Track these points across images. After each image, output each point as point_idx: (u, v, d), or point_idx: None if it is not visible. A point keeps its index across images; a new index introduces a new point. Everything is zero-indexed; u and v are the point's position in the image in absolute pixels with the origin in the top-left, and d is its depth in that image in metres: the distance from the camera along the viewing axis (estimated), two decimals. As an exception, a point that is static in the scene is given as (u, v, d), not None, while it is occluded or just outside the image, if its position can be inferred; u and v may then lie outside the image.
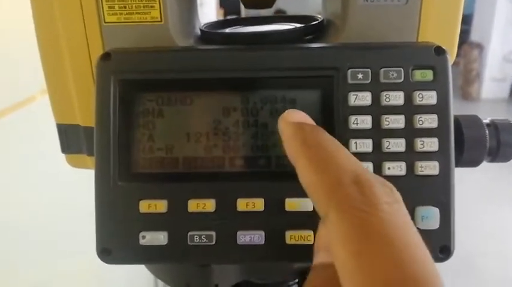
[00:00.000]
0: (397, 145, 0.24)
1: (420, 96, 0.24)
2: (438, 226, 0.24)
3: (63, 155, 0.31)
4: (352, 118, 0.24)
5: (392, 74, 0.24)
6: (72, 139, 0.30)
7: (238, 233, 0.24)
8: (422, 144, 0.24)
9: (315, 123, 0.21)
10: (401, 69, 0.24)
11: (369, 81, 0.24)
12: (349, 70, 0.24)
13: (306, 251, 0.22)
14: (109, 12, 0.27)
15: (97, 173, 0.25)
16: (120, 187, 0.25)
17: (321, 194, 0.17)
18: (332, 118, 0.24)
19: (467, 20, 3.42)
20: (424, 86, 0.24)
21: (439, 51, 0.24)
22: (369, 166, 0.24)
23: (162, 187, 0.25)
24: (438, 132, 0.24)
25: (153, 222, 0.25)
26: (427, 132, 0.24)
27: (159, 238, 0.24)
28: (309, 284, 0.20)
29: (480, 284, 1.49)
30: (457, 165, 0.25)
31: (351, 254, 0.15)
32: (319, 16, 0.33)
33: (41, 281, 0.63)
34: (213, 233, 0.24)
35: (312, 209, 0.24)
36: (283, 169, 0.25)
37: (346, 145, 0.24)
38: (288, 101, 0.25)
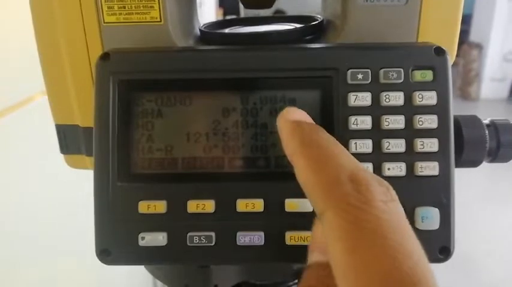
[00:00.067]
0: (397, 145, 0.24)
1: (420, 96, 0.24)
2: (438, 227, 0.24)
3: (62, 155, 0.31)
4: (352, 119, 0.24)
5: (392, 75, 0.24)
6: (71, 140, 0.30)
7: (237, 234, 0.24)
8: (422, 144, 0.24)
9: (314, 122, 0.21)
10: (401, 69, 0.24)
11: (368, 82, 0.24)
12: (349, 70, 0.24)
13: (306, 252, 0.22)
14: (108, 12, 0.27)
15: (96, 173, 0.25)
16: (119, 187, 0.25)
17: (318, 193, 0.17)
18: (332, 119, 0.24)
19: (466, 20, 3.42)
20: (424, 86, 0.24)
21: (439, 51, 0.24)
22: (369, 166, 0.24)
23: (161, 188, 0.25)
24: (438, 132, 0.24)
25: (153, 223, 0.24)
26: (427, 133, 0.24)
27: (159, 238, 0.24)
28: (304, 284, 0.20)
29: (480, 284, 1.49)
30: (457, 165, 0.25)
31: (346, 250, 0.15)
32: (319, 16, 0.33)
33: (41, 281, 0.63)
34: (213, 234, 0.24)
35: (311, 210, 0.24)
36: (283, 169, 0.25)
37: (345, 145, 0.24)
38: (288, 101, 0.25)
